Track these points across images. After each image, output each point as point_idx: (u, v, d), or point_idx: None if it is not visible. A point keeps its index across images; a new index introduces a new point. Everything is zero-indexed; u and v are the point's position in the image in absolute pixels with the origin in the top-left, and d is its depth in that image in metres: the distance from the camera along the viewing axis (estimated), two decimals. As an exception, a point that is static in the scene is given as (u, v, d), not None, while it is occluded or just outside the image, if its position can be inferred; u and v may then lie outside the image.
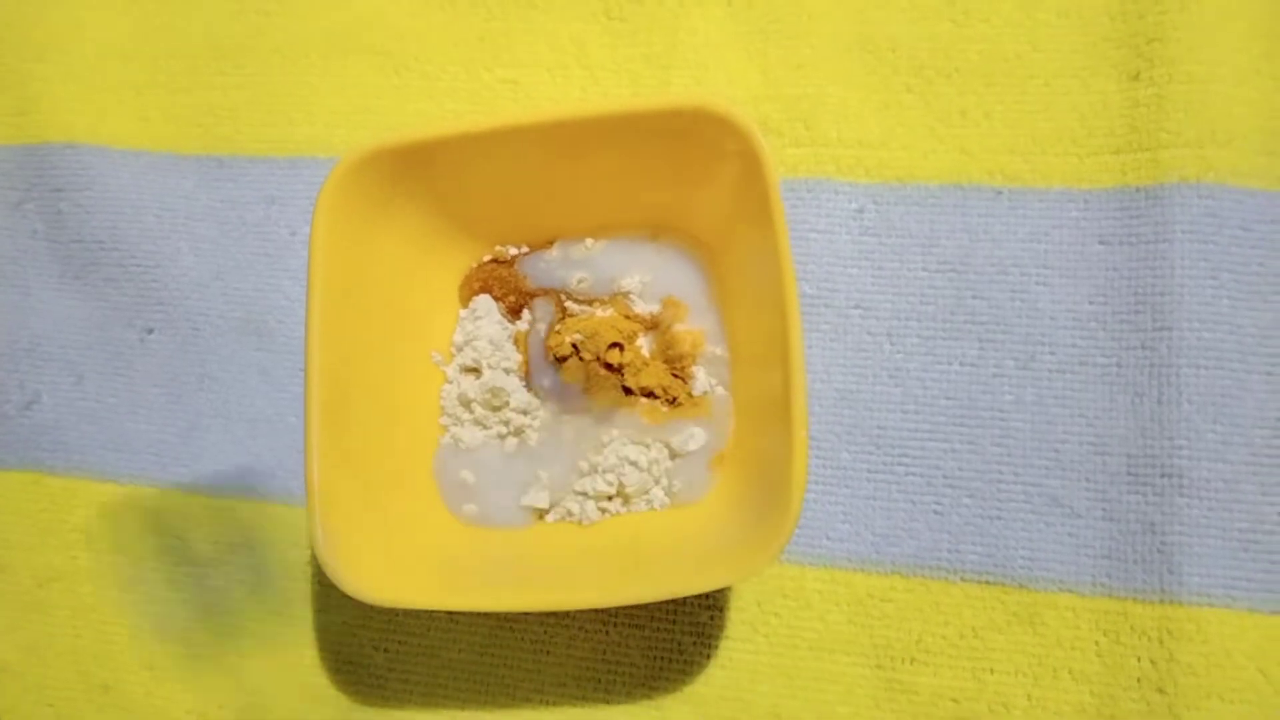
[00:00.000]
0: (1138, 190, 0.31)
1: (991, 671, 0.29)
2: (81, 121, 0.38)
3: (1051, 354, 0.31)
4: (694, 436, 0.30)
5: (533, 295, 0.33)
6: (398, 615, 0.32)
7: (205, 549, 0.34)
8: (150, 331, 0.36)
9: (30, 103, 0.39)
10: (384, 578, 0.27)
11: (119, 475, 0.35)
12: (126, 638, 0.34)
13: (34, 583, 0.35)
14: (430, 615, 0.32)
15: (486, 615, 0.32)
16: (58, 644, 0.34)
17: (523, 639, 0.31)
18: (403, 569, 0.28)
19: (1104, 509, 0.29)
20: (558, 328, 0.32)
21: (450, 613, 0.32)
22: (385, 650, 0.32)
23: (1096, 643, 0.29)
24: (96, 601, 0.34)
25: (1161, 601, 0.28)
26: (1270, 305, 0.30)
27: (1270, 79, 0.31)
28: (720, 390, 0.31)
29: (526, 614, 0.31)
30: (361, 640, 0.32)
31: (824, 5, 0.34)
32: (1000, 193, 0.32)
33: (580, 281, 0.32)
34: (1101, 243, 0.31)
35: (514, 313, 0.33)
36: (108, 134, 0.38)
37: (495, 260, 0.33)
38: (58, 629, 0.34)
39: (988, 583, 0.30)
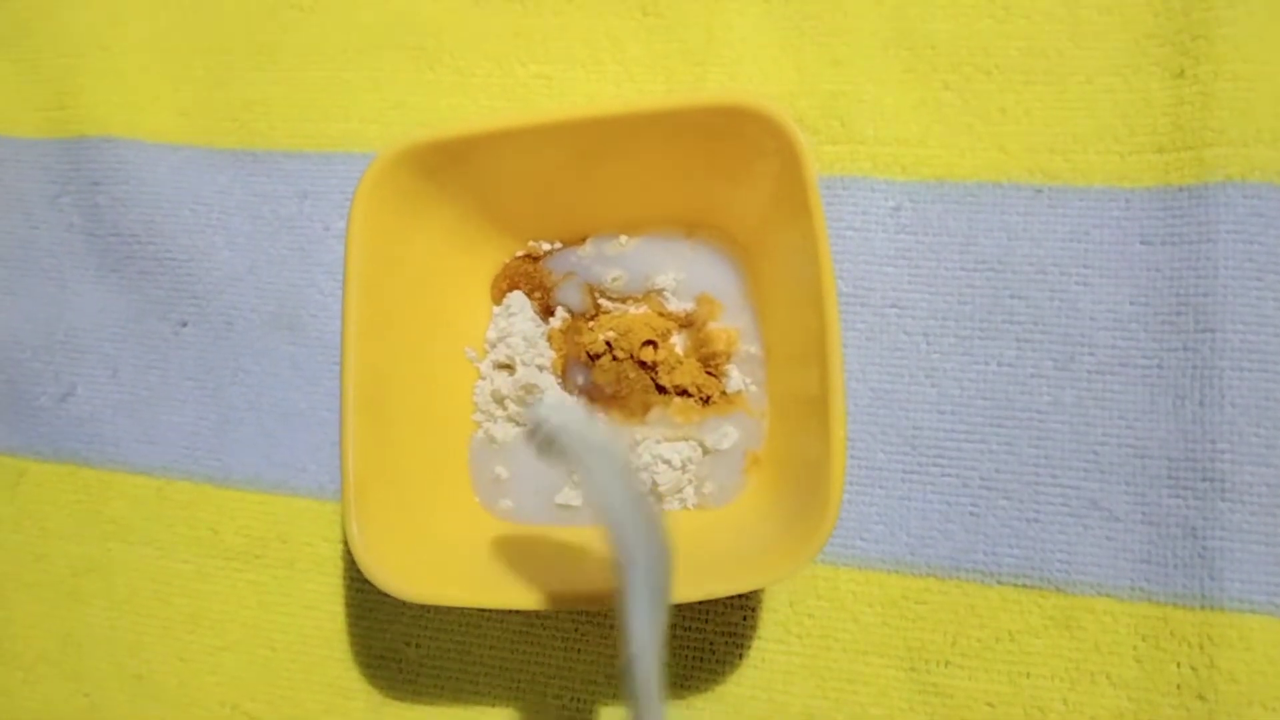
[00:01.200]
0: (1181, 189, 0.30)
1: (1028, 675, 0.29)
2: (119, 116, 0.38)
3: (1091, 355, 0.30)
4: (727, 435, 0.30)
5: (565, 292, 0.33)
6: (429, 611, 0.32)
7: (237, 542, 0.34)
8: (184, 325, 0.36)
9: (69, 97, 0.39)
10: (417, 574, 0.27)
11: (153, 468, 0.36)
12: (160, 629, 0.34)
13: (70, 573, 0.35)
14: (462, 611, 0.32)
15: (518, 612, 0.32)
16: (93, 634, 0.35)
17: (554, 636, 0.31)
18: (436, 566, 0.28)
19: (1144, 512, 0.29)
20: (591, 325, 0.32)
21: (481, 611, 0.32)
22: (417, 645, 0.32)
23: (1135, 648, 0.28)
24: (130, 593, 0.35)
25: (1202, 607, 0.28)
26: (1316, 308, 0.29)
27: (1312, 80, 0.30)
28: (754, 389, 0.31)
29: (558, 613, 0.31)
30: (393, 635, 0.33)
31: (861, 2, 0.34)
32: (1040, 191, 0.32)
33: (614, 279, 0.32)
34: (1143, 242, 0.30)
35: (546, 309, 0.33)
36: (144, 128, 0.38)
37: (528, 256, 0.33)
38: (93, 619, 0.35)
39: (1024, 586, 0.29)
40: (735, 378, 0.31)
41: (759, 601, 0.31)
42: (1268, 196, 0.29)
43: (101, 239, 0.38)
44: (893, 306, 0.32)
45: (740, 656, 0.30)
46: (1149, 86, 0.31)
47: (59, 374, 0.37)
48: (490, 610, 0.32)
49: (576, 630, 0.31)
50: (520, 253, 0.33)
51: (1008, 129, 0.32)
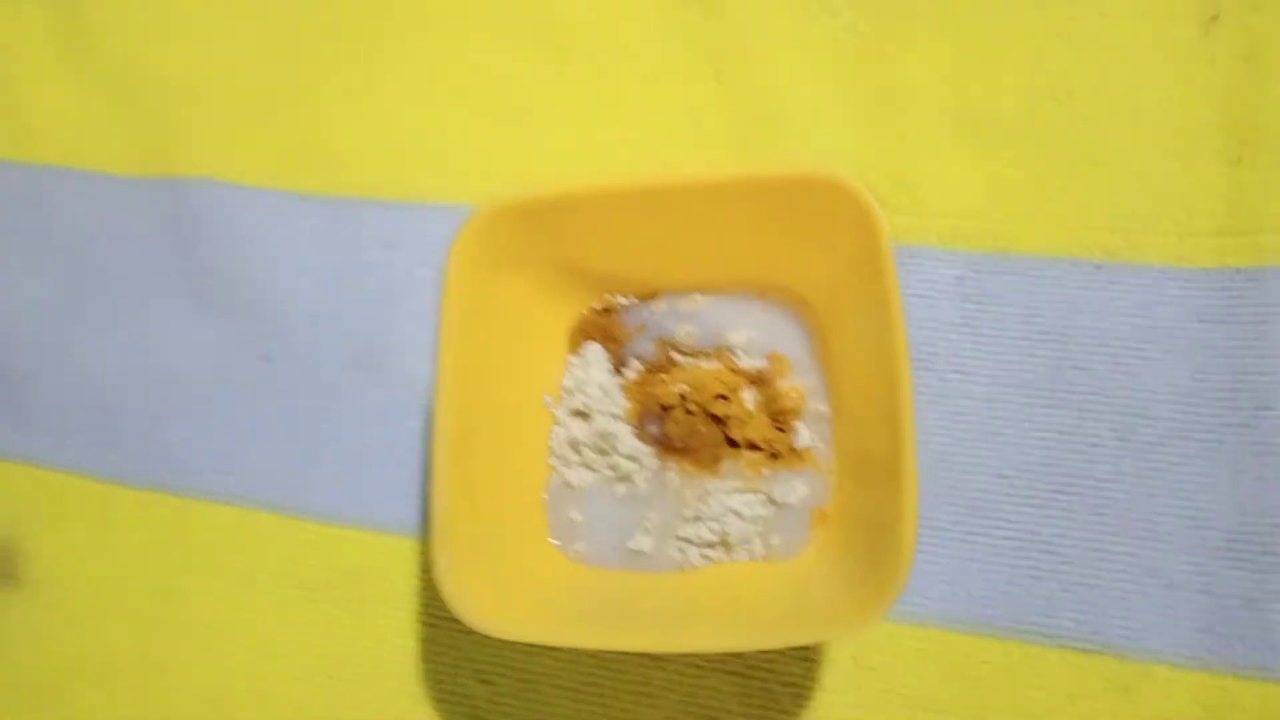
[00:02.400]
0: (1237, 272, 0.31)
1: (1086, 739, 0.30)
2: (215, 158, 0.41)
3: (1150, 427, 0.31)
4: (795, 490, 0.31)
5: (639, 344, 0.34)
6: (499, 650, 0.33)
7: (314, 574, 0.36)
8: (271, 361, 0.38)
9: (168, 139, 0.41)
10: (495, 610, 0.28)
11: (233, 498, 0.37)
12: (236, 656, 0.35)
13: (151, 598, 0.37)
14: (530, 653, 0.33)
15: (587, 655, 0.33)
16: (173, 658, 0.36)
17: (620, 680, 0.32)
18: (513, 603, 0.29)
19: (1202, 582, 0.30)
20: (664, 378, 0.33)
21: (551, 652, 0.33)
22: (486, 682, 0.33)
23: (1196, 717, 0.29)
24: (209, 619, 0.36)
25: (1264, 679, 0.29)
26: (1371, 390, 0.30)
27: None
28: (822, 447, 0.32)
29: (626, 655, 0.32)
30: (463, 672, 0.34)
31: (929, 79, 0.36)
32: (1100, 267, 0.33)
33: (687, 334, 0.33)
34: (1200, 321, 0.32)
35: (621, 361, 0.34)
36: (239, 172, 0.40)
37: (605, 309, 0.35)
38: (172, 643, 0.36)
39: (1083, 650, 0.30)
40: (804, 435, 0.32)
41: (821, 655, 0.32)
42: (1324, 281, 0.30)
43: (195, 277, 0.40)
44: (956, 372, 0.33)
45: (801, 708, 0.31)
46: (1206, 172, 0.33)
47: (149, 404, 0.39)
48: (560, 652, 0.33)
49: (642, 675, 0.32)
50: (597, 305, 0.35)
51: (1068, 206, 0.34)
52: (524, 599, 0.30)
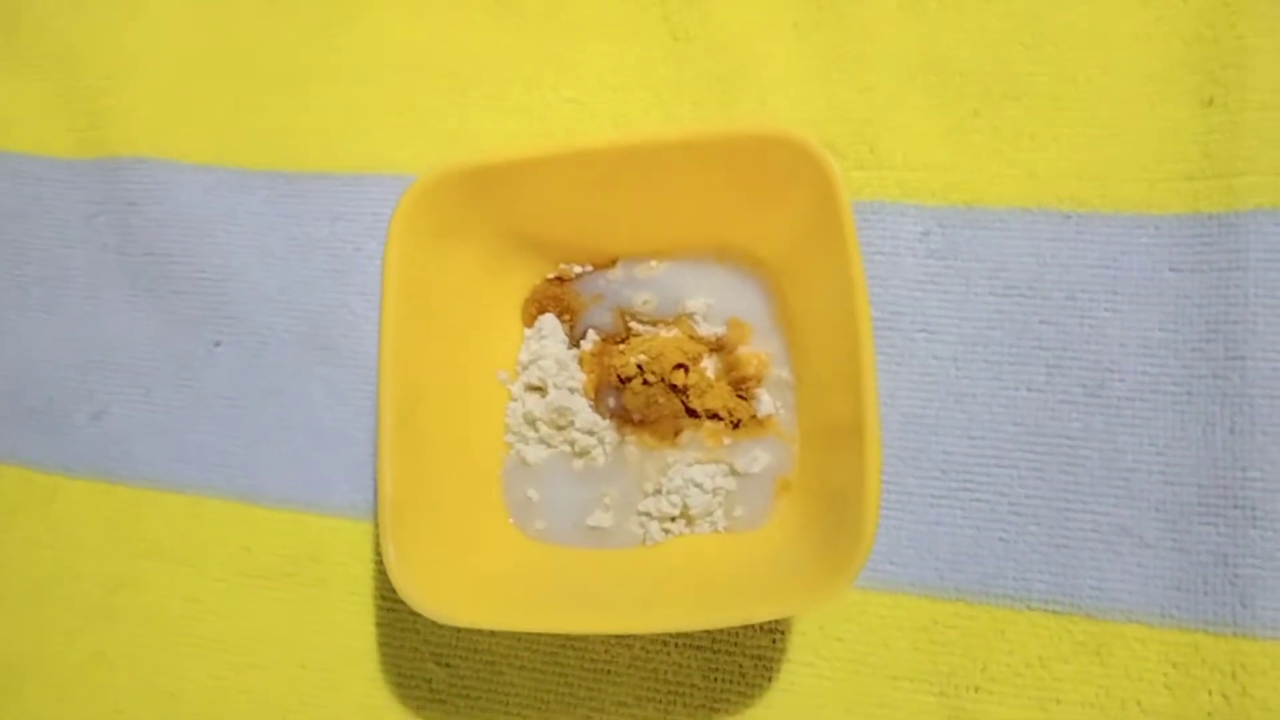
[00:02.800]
0: (1210, 217, 0.30)
1: (1058, 702, 0.29)
2: (153, 137, 0.39)
3: (1121, 381, 0.30)
4: (758, 459, 0.31)
5: (596, 315, 0.33)
6: (460, 632, 0.33)
7: (269, 560, 0.35)
8: (217, 344, 0.37)
9: (103, 118, 0.39)
10: (451, 596, 0.27)
11: (185, 486, 0.36)
12: (191, 647, 0.34)
13: (102, 590, 0.36)
14: (491, 634, 0.32)
15: (549, 635, 0.32)
16: (125, 651, 0.35)
17: (584, 658, 0.32)
18: (470, 588, 0.28)
19: (1174, 539, 0.29)
20: (622, 348, 0.32)
21: (513, 633, 0.32)
22: (447, 665, 0.33)
23: (1166, 675, 0.28)
24: (161, 611, 0.35)
25: (1234, 635, 0.28)
26: (1346, 337, 0.29)
27: (1341, 111, 0.31)
28: (784, 413, 0.31)
29: (588, 636, 0.32)
30: (424, 655, 0.33)
31: (891, 29, 0.34)
32: (1069, 217, 0.32)
33: (645, 303, 0.32)
34: (1172, 269, 0.31)
35: (576, 332, 0.33)
36: (179, 149, 0.39)
37: (559, 279, 0.34)
38: (125, 636, 0.35)
39: (1054, 611, 0.29)
40: (766, 402, 0.31)
41: (789, 626, 0.31)
42: (1298, 226, 0.29)
43: (135, 259, 0.38)
44: (922, 331, 0.32)
45: (770, 681, 0.31)
46: (1178, 114, 0.31)
47: (93, 392, 0.37)
48: (522, 634, 0.32)
49: (606, 653, 0.32)
50: (551, 275, 0.34)
51: (1037, 155, 0.33)
52: (481, 582, 0.29)
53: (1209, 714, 0.28)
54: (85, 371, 0.38)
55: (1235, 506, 0.29)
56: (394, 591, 0.33)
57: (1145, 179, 0.31)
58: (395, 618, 0.33)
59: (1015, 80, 0.33)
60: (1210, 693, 0.28)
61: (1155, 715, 0.28)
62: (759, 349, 0.31)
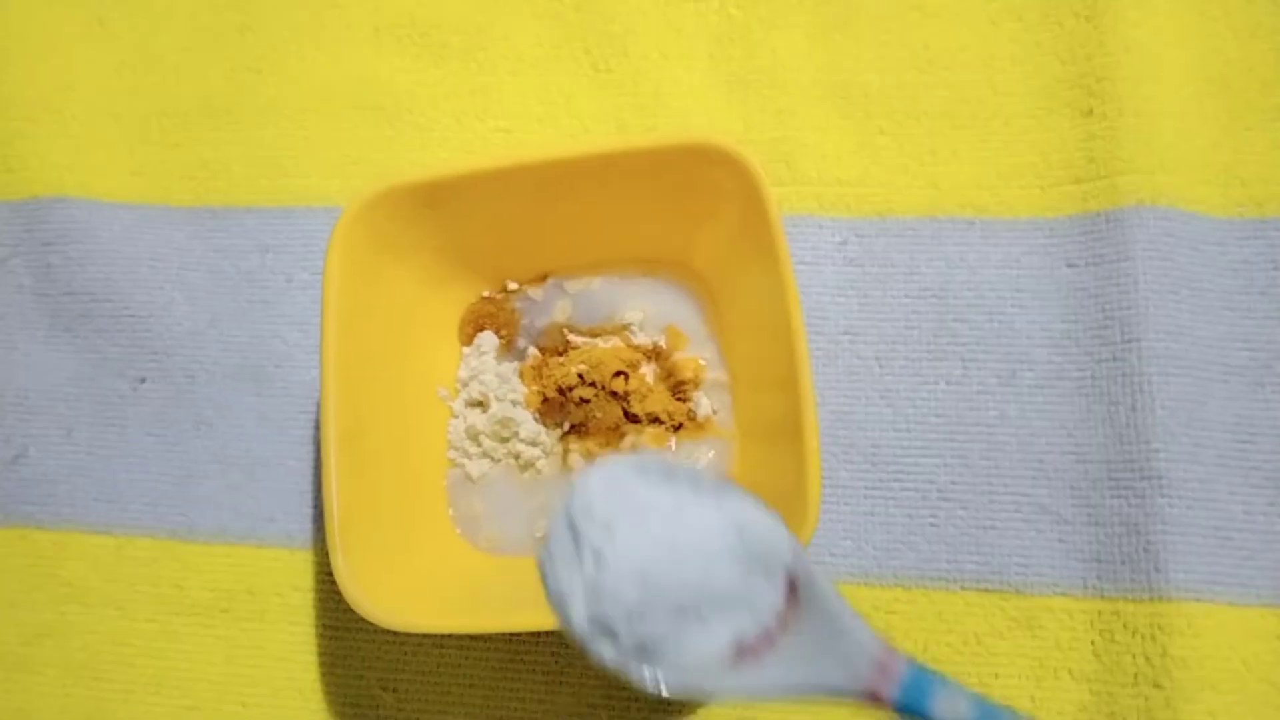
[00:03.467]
0: (1098, 215, 0.33)
1: (996, 676, 0.30)
2: (71, 176, 0.38)
3: (1030, 370, 0.32)
4: (700, 459, 0.31)
5: (534, 329, 0.34)
6: (406, 653, 0.32)
7: (204, 596, 0.34)
8: (143, 381, 0.36)
9: (19, 160, 0.39)
10: (400, 603, 0.27)
11: (111, 526, 0.35)
12: (122, 693, 0.33)
13: (20, 641, 0.34)
14: (440, 651, 0.32)
15: (497, 648, 0.32)
16: (48, 704, 0.33)
17: (534, 670, 0.31)
18: (419, 596, 0.28)
19: (1089, 514, 0.31)
20: (561, 360, 0.33)
21: (461, 648, 0.32)
22: (394, 690, 0.32)
23: (1093, 642, 0.30)
24: (88, 658, 0.33)
25: (1151, 599, 0.30)
26: (1222, 319, 0.32)
27: (1201, 118, 0.34)
28: (723, 414, 0.32)
29: (538, 645, 0.31)
30: (369, 681, 0.32)
31: (799, 56, 0.37)
32: (972, 224, 0.34)
33: (582, 316, 0.33)
34: (1069, 265, 0.33)
35: (515, 347, 0.34)
36: (99, 188, 0.38)
37: (496, 296, 0.34)
38: (48, 688, 0.33)
39: (986, 590, 0.31)
40: (704, 404, 0.32)
41: (736, 622, 0.31)
42: (1174, 218, 0.32)
43: (54, 299, 0.37)
44: (846, 334, 0.34)
45: (721, 677, 0.31)
46: (1062, 125, 0.34)
47: (10, 436, 0.36)
48: (469, 648, 0.32)
49: (556, 663, 0.31)
50: (488, 293, 0.34)
51: (938, 169, 0.35)
52: (429, 592, 0.29)
53: (1134, 675, 0.29)
54: (1, 415, 0.36)
55: (1143, 478, 0.31)
56: (335, 618, 0.33)
57: (1038, 185, 0.34)
58: (338, 645, 0.32)
59: (915, 101, 0.36)
60: (1134, 656, 0.30)
61: (1086, 681, 0.30)
62: (695, 354, 0.33)
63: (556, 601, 0.19)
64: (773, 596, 0.19)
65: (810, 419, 0.26)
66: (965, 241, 0.34)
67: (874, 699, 0.18)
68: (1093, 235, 0.33)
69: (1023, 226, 0.34)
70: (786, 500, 0.27)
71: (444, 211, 0.31)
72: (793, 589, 0.19)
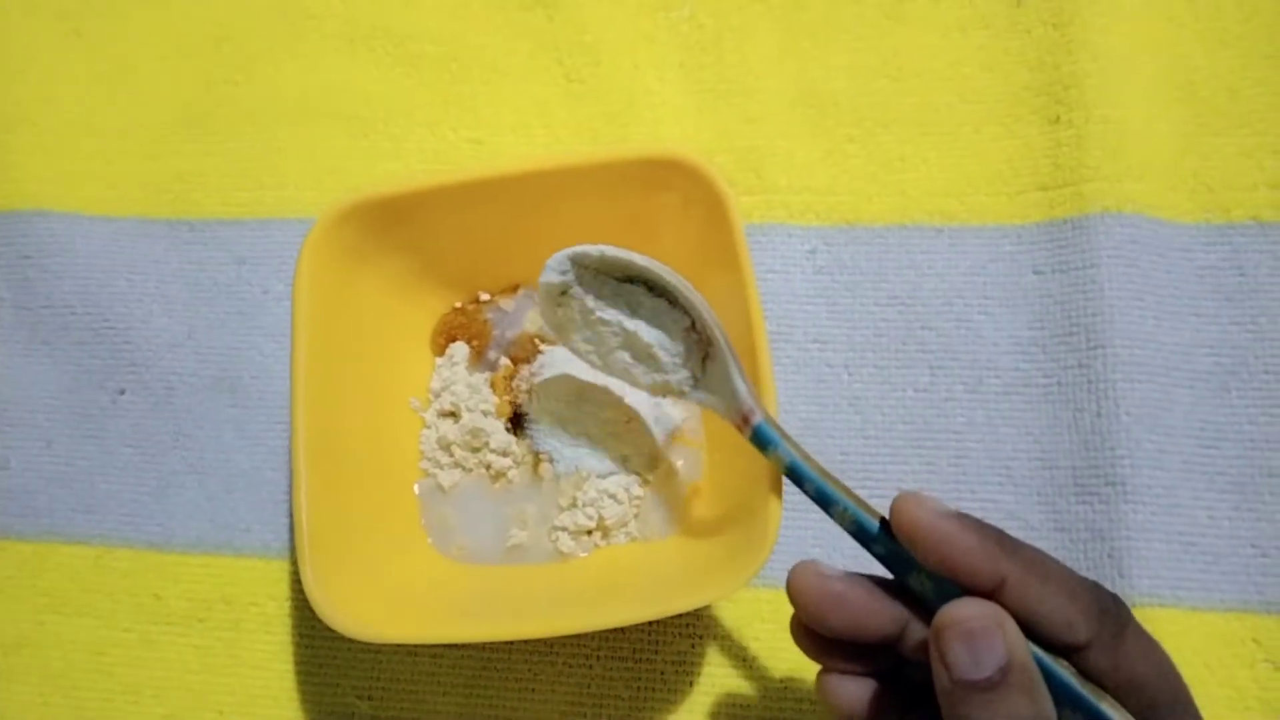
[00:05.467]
0: (1065, 222, 0.33)
1: (962, 681, 0.30)
2: (50, 190, 0.39)
3: (997, 378, 0.33)
4: (671, 468, 0.32)
5: (504, 339, 0.34)
6: (381, 662, 0.32)
7: (181, 606, 0.34)
8: (122, 393, 0.36)
9: (3, 172, 0.39)
10: (371, 615, 0.28)
11: (90, 537, 0.35)
12: (100, 702, 0.33)
13: (0, 652, 0.34)
14: (414, 660, 0.32)
15: (471, 656, 0.32)
16: (27, 713, 0.33)
17: (507, 678, 0.32)
18: (390, 606, 0.28)
19: (1055, 520, 0.31)
20: (533, 368, 0.33)
21: (435, 656, 0.32)
22: (369, 698, 0.32)
23: (1058, 647, 0.30)
24: (67, 667, 0.34)
25: (1115, 603, 0.30)
26: (1187, 325, 0.32)
27: (1168, 124, 0.34)
28: (692, 424, 0.32)
29: (511, 652, 0.32)
30: (344, 690, 0.32)
31: (769, 65, 0.37)
32: (940, 231, 0.34)
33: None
34: (1035, 272, 0.33)
35: (486, 357, 0.34)
36: (78, 201, 0.39)
37: (466, 306, 0.35)
38: (26, 697, 0.34)
39: (953, 595, 0.31)
40: (674, 414, 0.32)
41: (706, 630, 0.32)
42: (1140, 225, 0.33)
43: (33, 311, 0.37)
44: (815, 341, 0.34)
45: (691, 684, 0.31)
46: (1030, 132, 0.35)
47: (-11, 448, 0.36)
48: (442, 656, 0.32)
49: (530, 670, 0.32)
50: (459, 303, 0.35)
51: (907, 176, 0.35)
52: (401, 601, 0.29)
53: (1098, 680, 0.30)
54: (-19, 428, 0.37)
55: (1107, 484, 0.31)
56: (312, 628, 0.33)
57: (1005, 192, 0.34)
58: (314, 654, 0.33)
59: (884, 109, 0.36)
60: (1098, 660, 0.30)
61: (1051, 686, 0.30)
62: (663, 364, 0.33)
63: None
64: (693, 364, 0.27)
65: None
66: (933, 249, 0.34)
67: (740, 429, 0.25)
68: (1059, 242, 0.33)
69: (990, 233, 0.34)
70: (751, 506, 0.27)
71: (414, 224, 0.31)
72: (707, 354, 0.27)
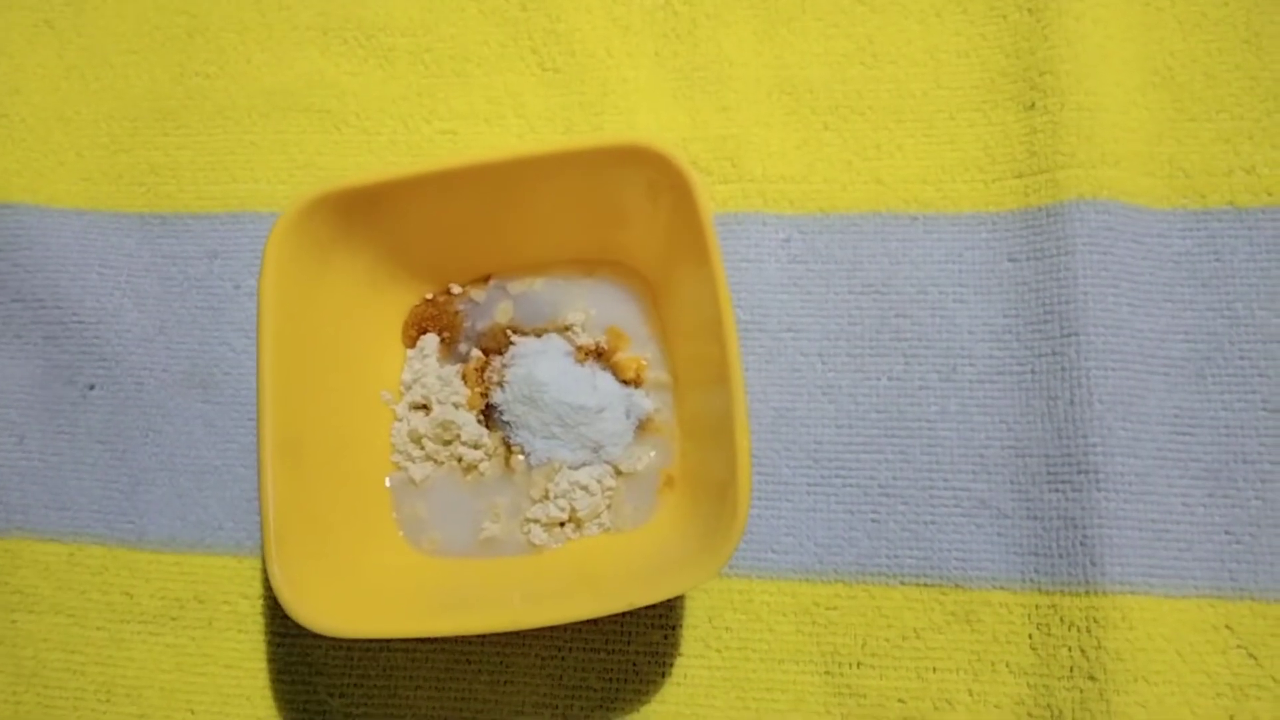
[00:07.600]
0: (1040, 209, 0.33)
1: (934, 670, 0.30)
2: (19, 183, 0.38)
3: (971, 365, 0.33)
4: (641, 458, 0.32)
5: (476, 331, 0.34)
6: (353, 658, 0.32)
7: (153, 604, 0.34)
8: (92, 388, 0.36)
9: (-30, 166, 0.39)
10: (342, 611, 0.27)
11: (62, 534, 0.35)
12: (71, 702, 0.33)
13: (-28, 649, 0.34)
14: (387, 655, 0.32)
15: (443, 650, 0.32)
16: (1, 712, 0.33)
17: (480, 671, 0.32)
18: (360, 602, 0.28)
19: (1028, 508, 0.31)
20: (505, 360, 0.33)
21: (407, 651, 0.32)
22: (342, 695, 0.32)
23: (1030, 636, 0.30)
24: (38, 666, 0.34)
25: (1087, 592, 0.30)
26: (1163, 311, 0.32)
27: (1145, 110, 0.34)
28: (665, 413, 0.32)
29: (484, 645, 0.32)
30: (317, 687, 0.32)
31: (744, 53, 0.37)
32: (916, 219, 0.34)
33: (525, 317, 0.33)
34: (1010, 260, 0.33)
35: (457, 348, 0.34)
36: (48, 194, 0.38)
37: (438, 298, 0.34)
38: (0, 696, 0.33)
39: (925, 584, 0.31)
40: (646, 404, 0.32)
41: (679, 620, 0.32)
42: (1115, 212, 0.32)
43: (3, 305, 0.37)
44: (788, 331, 0.34)
45: (663, 675, 0.31)
46: (1005, 119, 0.34)
47: (-41, 445, 0.36)
48: (415, 651, 0.32)
49: (502, 662, 0.32)
50: (430, 295, 0.34)
51: (883, 164, 0.35)
52: (372, 597, 0.29)
53: (1070, 668, 0.30)
54: (-49, 423, 0.36)
55: (1080, 472, 0.31)
56: (284, 626, 0.33)
57: (980, 179, 0.34)
58: (286, 653, 0.33)
59: (860, 96, 0.36)
60: (1070, 649, 0.30)
61: (1023, 675, 0.30)
62: (637, 354, 0.33)
63: None
64: None
65: (741, 418, 0.27)
66: (908, 237, 0.34)
67: None
68: (1034, 229, 0.33)
69: (965, 221, 0.34)
70: (722, 495, 0.27)
71: (383, 215, 0.31)
72: None
